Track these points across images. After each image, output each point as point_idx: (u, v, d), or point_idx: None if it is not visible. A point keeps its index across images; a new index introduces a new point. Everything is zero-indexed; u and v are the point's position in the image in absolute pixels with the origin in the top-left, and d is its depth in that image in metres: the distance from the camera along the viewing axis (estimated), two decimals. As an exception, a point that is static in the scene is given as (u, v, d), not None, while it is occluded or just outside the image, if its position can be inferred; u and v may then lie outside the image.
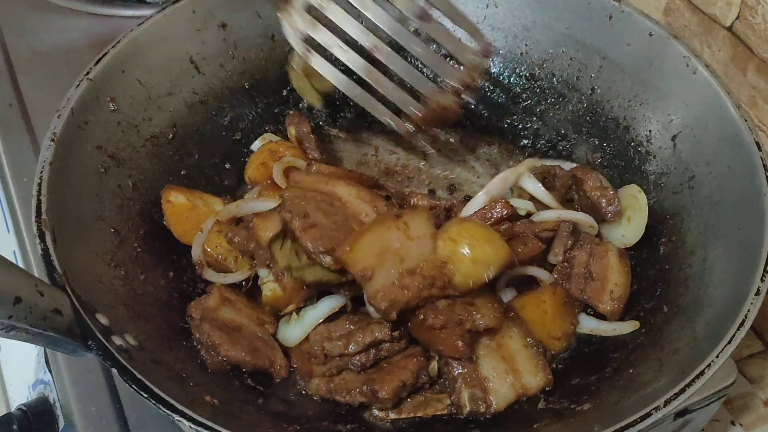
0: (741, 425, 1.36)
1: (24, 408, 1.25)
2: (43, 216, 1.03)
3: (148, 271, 1.19)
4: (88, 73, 1.21)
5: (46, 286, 0.90)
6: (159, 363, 1.02)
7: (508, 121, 1.54)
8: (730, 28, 1.40)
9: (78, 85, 1.19)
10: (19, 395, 1.44)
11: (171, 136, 1.36)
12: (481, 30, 1.51)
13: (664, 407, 0.91)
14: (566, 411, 1.09)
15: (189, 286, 1.25)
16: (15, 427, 1.21)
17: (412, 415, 1.12)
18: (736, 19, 1.37)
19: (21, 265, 1.41)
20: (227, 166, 1.45)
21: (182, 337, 1.13)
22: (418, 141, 1.40)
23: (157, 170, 1.32)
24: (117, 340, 0.96)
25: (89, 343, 0.92)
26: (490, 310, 1.09)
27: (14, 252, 1.45)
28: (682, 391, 0.92)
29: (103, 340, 0.92)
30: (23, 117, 1.62)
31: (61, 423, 1.24)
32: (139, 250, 1.20)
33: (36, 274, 1.28)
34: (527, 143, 1.52)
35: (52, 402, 1.27)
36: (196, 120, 1.41)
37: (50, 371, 1.26)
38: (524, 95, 1.52)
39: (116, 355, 0.91)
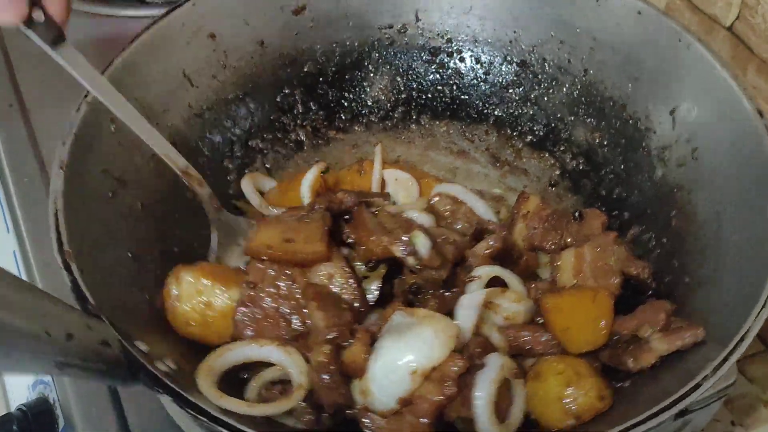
0: (741, 425, 1.34)
1: (24, 408, 1.22)
2: (65, 248, 1.00)
3: (171, 293, 1.17)
4: (86, 95, 1.18)
5: (91, 318, 0.88)
6: (200, 384, 1.01)
7: (503, 108, 1.55)
8: (730, 28, 1.41)
9: (78, 109, 1.16)
10: (19, 395, 1.41)
11: (172, 152, 1.33)
12: (469, 19, 1.53)
13: (669, 408, 0.89)
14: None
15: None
16: (15, 427, 1.18)
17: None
18: (736, 19, 1.39)
19: (21, 266, 1.39)
20: (229, 177, 1.45)
21: (215, 355, 1.12)
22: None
23: (163, 189, 1.29)
24: (161, 366, 0.94)
25: (136, 372, 0.90)
26: None
27: (14, 252, 1.42)
28: (690, 392, 0.90)
29: (150, 367, 0.90)
30: (23, 117, 1.59)
31: (61, 423, 1.22)
32: (158, 272, 1.18)
33: (39, 284, 1.26)
34: (525, 129, 1.54)
35: (52, 402, 1.25)
36: (193, 134, 1.39)
37: (50, 371, 1.24)
38: (517, 82, 1.53)
39: (167, 382, 0.90)
